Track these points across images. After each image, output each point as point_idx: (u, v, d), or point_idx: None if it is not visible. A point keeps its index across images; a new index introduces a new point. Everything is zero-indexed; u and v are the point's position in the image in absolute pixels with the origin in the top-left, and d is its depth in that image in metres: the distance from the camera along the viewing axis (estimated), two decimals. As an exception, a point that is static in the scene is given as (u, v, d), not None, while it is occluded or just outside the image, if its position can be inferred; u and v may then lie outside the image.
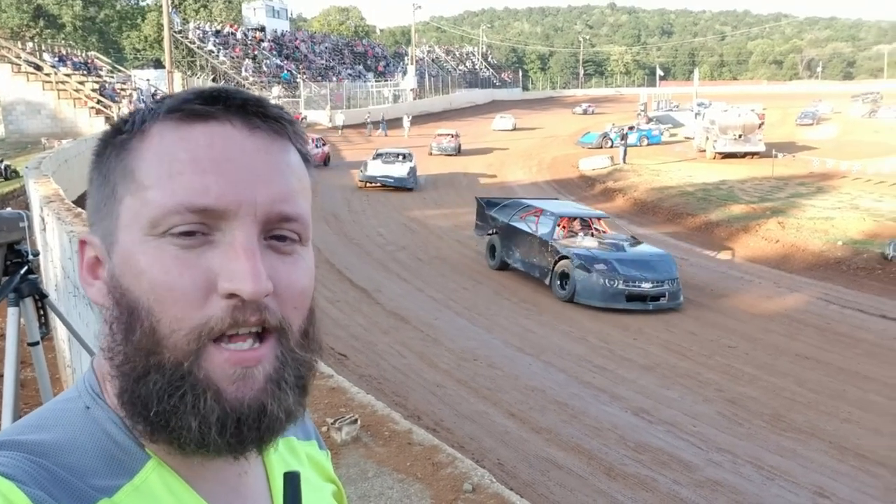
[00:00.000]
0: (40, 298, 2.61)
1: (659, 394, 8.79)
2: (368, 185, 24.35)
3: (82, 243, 0.69)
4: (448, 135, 34.71)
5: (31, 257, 2.56)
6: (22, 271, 2.53)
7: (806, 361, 10.16)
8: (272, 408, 0.63)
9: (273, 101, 0.70)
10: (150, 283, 0.61)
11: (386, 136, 40.07)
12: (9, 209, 2.88)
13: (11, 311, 2.55)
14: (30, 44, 38.84)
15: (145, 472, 0.63)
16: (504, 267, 14.57)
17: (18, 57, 32.54)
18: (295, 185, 0.66)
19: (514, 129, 46.86)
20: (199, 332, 0.60)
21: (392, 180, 24.02)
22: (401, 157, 25.62)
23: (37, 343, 2.65)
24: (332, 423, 4.29)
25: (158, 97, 0.70)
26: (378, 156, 25.84)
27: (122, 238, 0.63)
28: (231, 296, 0.60)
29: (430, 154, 32.93)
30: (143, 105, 0.70)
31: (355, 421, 4.30)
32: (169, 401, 0.60)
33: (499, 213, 15.24)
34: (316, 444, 0.89)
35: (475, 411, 7.85)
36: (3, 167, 23.32)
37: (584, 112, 61.00)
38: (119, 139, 0.66)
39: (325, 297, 12.20)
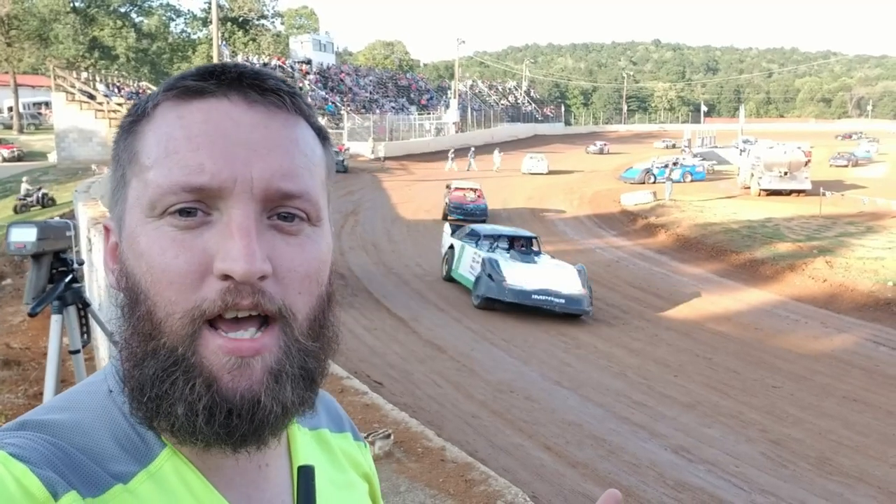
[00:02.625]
0: (83, 307, 2.65)
1: (700, 432, 8.57)
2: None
3: (105, 230, 0.70)
4: (468, 189, 25.75)
5: (75, 266, 2.61)
6: (67, 279, 2.56)
7: (854, 404, 9.83)
8: (266, 401, 0.60)
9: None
10: (148, 265, 0.60)
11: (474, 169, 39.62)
12: (56, 218, 2.94)
13: (55, 319, 2.58)
14: (84, 74, 40.24)
15: (160, 459, 0.62)
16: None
17: (73, 86, 33.73)
18: (299, 160, 0.64)
19: (549, 172, 40.58)
20: (193, 315, 0.59)
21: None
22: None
23: (78, 351, 2.68)
24: (365, 437, 4.27)
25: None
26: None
27: (127, 221, 0.63)
28: (225, 277, 0.58)
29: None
30: None
31: (389, 436, 4.27)
32: (161, 386, 0.59)
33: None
34: (350, 435, 0.87)
35: (510, 443, 7.73)
36: (40, 195, 24.01)
37: (600, 151, 57.43)
38: (127, 122, 0.66)
39: (363, 324, 12.24)
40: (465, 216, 23.50)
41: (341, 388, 5.70)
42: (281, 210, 0.62)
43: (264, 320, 0.61)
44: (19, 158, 41.86)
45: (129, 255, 0.62)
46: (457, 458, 4.11)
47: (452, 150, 43.46)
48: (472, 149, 43.73)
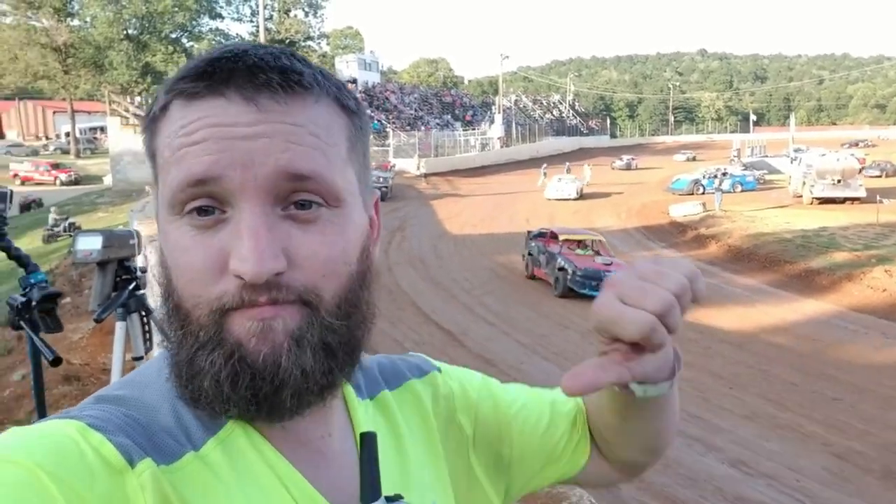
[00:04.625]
0: (146, 314, 2.72)
1: (758, 445, 8.36)
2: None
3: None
4: (583, 241, 18.51)
5: (139, 273, 2.68)
6: (130, 287, 2.64)
7: (920, 416, 9.48)
8: (286, 363, 0.61)
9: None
10: (174, 262, 0.63)
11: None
12: (120, 227, 3.02)
13: (119, 326, 2.65)
14: (138, 98, 41.41)
15: (229, 428, 0.64)
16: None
17: (127, 110, 34.74)
18: (305, 140, 0.62)
19: (580, 196, 33.75)
20: (212, 307, 0.61)
21: None
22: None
23: (141, 358, 2.74)
24: None
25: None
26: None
27: (160, 217, 0.65)
28: (239, 276, 0.59)
29: None
30: None
31: None
32: (191, 368, 0.62)
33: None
34: (413, 380, 0.87)
35: (563, 457, 7.65)
36: (67, 224, 24.25)
37: (627, 167, 52.59)
38: (147, 121, 0.67)
39: (412, 339, 12.28)
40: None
41: None
42: (295, 198, 0.62)
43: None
44: (76, 182, 43.28)
45: (163, 249, 0.65)
46: None
47: (546, 165, 42.49)
48: (545, 165, 42.98)
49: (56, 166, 46.07)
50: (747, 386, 10.60)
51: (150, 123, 0.66)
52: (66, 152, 58.44)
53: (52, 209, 27.06)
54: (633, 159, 55.24)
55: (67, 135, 60.47)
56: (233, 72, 0.61)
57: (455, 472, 0.85)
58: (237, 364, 0.60)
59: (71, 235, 23.98)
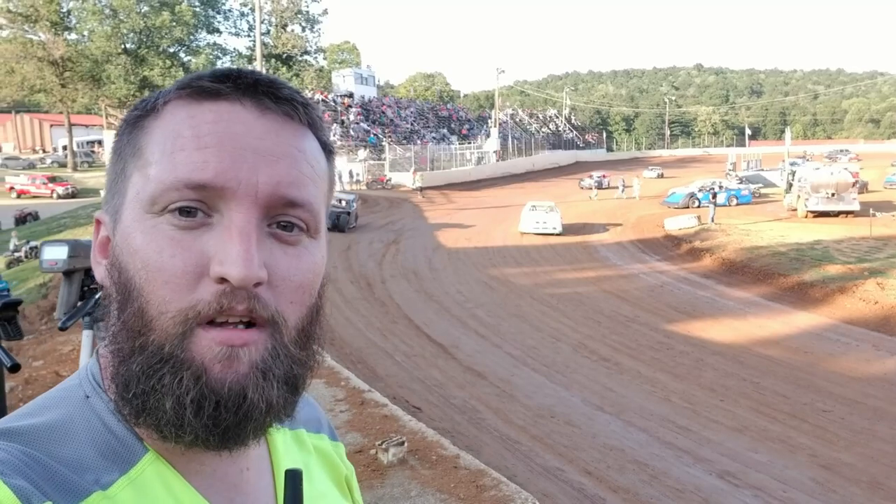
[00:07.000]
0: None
1: (746, 457, 8.34)
2: None
3: (97, 222, 0.69)
4: None
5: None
6: (97, 296, 2.63)
7: (909, 428, 9.47)
8: (253, 395, 0.60)
9: (310, 101, 0.67)
10: (143, 263, 0.60)
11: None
12: (88, 237, 3.03)
13: (86, 334, 2.65)
14: (136, 112, 41.49)
15: (141, 465, 0.61)
16: None
17: (125, 124, 34.73)
18: (305, 170, 0.64)
19: (560, 233, 26.82)
20: (186, 316, 0.58)
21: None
22: None
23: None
24: (379, 445, 4.31)
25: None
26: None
27: (124, 215, 0.63)
28: (221, 280, 0.58)
29: None
30: None
31: (402, 443, 4.31)
32: (148, 382, 0.59)
33: None
34: (326, 436, 0.86)
35: (550, 467, 7.63)
36: (28, 248, 23.17)
37: (598, 185, 44.88)
38: (133, 116, 0.66)
39: (403, 351, 12.26)
40: None
41: (362, 400, 5.74)
42: (281, 219, 0.62)
43: (249, 324, 0.61)
44: (73, 195, 43.20)
45: (122, 251, 0.62)
46: (470, 466, 4.13)
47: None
48: (600, 174, 42.34)
49: (53, 179, 45.99)
50: (738, 398, 10.59)
51: (137, 120, 0.65)
52: (63, 165, 58.37)
53: (13, 233, 25.60)
54: (604, 176, 48.40)
55: (65, 148, 60.41)
56: (258, 82, 0.63)
57: None
58: (204, 388, 0.58)
59: (36, 258, 23.28)
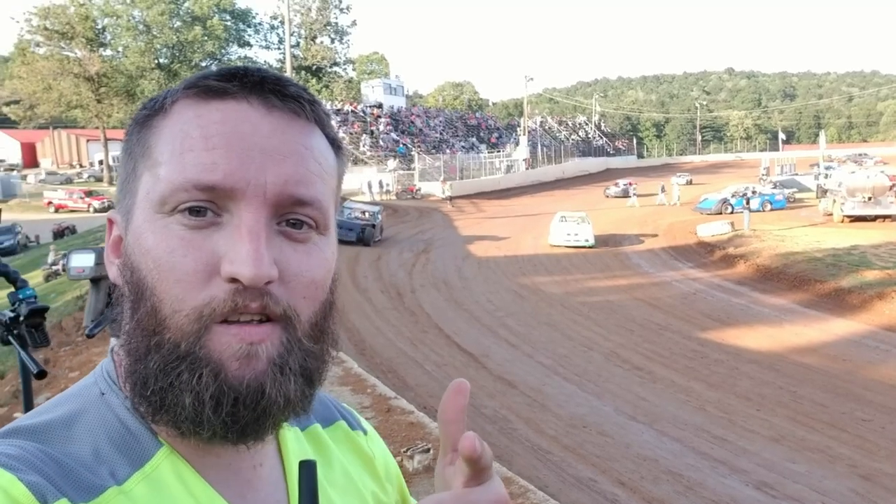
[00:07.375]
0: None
1: (784, 467, 8.17)
2: None
3: (109, 222, 0.70)
4: None
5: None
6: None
7: (954, 437, 9.21)
8: (271, 391, 0.60)
9: (327, 109, 0.69)
10: (155, 262, 0.60)
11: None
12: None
13: (113, 341, 2.66)
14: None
15: (156, 459, 0.62)
16: None
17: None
18: (313, 167, 0.64)
19: (592, 245, 26.06)
20: (201, 313, 0.59)
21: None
22: None
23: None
24: (404, 452, 4.31)
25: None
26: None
27: (136, 215, 0.63)
28: (232, 280, 0.58)
29: None
30: None
31: (427, 450, 4.32)
32: (165, 379, 0.59)
33: None
34: (344, 423, 0.85)
35: (582, 478, 7.54)
36: (65, 261, 23.75)
37: (624, 193, 43.56)
38: (142, 115, 0.66)
39: (434, 360, 12.24)
40: None
41: (388, 407, 5.73)
42: (290, 217, 0.63)
43: (262, 321, 0.61)
44: (109, 209, 43.95)
45: (134, 250, 0.62)
46: (497, 472, 4.07)
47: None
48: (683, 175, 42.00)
49: (89, 194, 46.97)
50: (775, 407, 10.39)
51: (146, 119, 0.66)
52: (99, 180, 59.58)
53: (52, 247, 25.98)
54: (630, 184, 44.84)
55: (101, 162, 61.67)
56: (264, 80, 0.63)
57: None
58: (223, 384, 0.59)
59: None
